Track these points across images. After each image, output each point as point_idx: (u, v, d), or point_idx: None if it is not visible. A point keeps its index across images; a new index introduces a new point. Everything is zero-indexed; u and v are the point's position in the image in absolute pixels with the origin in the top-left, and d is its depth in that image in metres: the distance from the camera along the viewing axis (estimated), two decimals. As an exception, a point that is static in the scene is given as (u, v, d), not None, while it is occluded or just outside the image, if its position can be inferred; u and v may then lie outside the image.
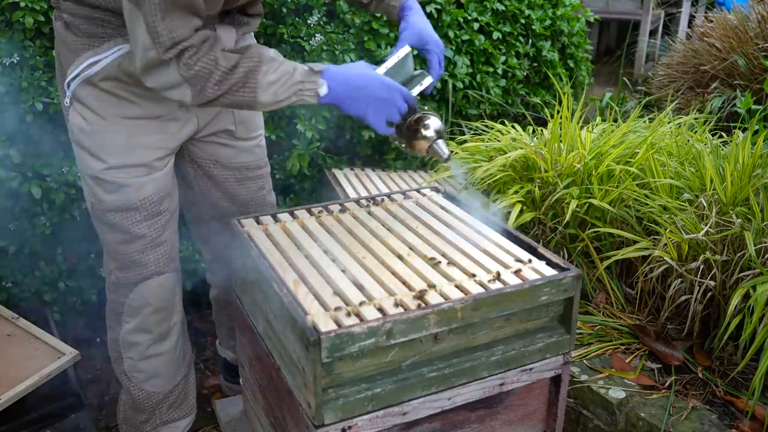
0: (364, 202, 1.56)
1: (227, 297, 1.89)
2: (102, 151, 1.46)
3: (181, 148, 1.64)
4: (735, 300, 1.59)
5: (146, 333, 1.63)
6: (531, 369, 1.26)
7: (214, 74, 1.25)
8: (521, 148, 2.16)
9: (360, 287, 1.19)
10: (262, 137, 1.75)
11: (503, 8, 2.88)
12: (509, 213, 2.02)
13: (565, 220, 1.96)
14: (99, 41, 1.40)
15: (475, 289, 1.18)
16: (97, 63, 1.40)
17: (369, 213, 1.52)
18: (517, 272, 1.25)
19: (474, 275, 1.23)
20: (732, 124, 2.21)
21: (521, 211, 2.04)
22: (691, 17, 5.09)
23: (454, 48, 2.68)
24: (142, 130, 1.47)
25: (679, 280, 1.75)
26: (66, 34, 1.43)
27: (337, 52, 2.40)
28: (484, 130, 2.53)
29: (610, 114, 2.79)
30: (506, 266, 1.27)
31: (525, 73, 3.04)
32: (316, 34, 2.39)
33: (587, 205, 2.00)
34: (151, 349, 1.65)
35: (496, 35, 2.85)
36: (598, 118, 2.58)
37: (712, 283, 1.68)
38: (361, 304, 1.13)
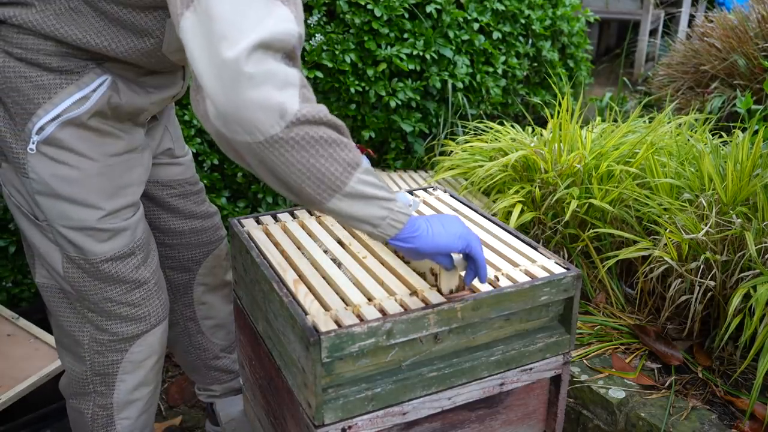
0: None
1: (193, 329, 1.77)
2: (94, 197, 1.29)
3: None
4: (735, 300, 1.59)
5: (147, 386, 1.51)
6: (531, 369, 1.26)
7: (321, 110, 0.92)
8: (521, 148, 2.16)
9: (360, 287, 1.20)
10: (190, 153, 1.66)
11: (503, 8, 2.88)
12: (510, 213, 2.03)
13: (565, 220, 1.96)
14: (77, 75, 1.20)
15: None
16: (86, 99, 1.21)
17: (369, 213, 1.51)
18: (517, 272, 1.25)
19: (474, 275, 1.23)
20: (732, 124, 2.21)
21: (522, 211, 2.04)
22: (691, 17, 5.09)
23: (454, 48, 2.69)
24: (127, 165, 1.34)
25: (679, 280, 1.75)
26: (23, 68, 1.18)
27: (337, 52, 2.40)
28: (484, 130, 2.53)
29: (610, 114, 2.79)
30: (507, 266, 1.27)
31: (525, 73, 3.04)
32: (316, 34, 2.39)
33: (587, 205, 2.00)
34: (149, 401, 1.54)
35: (496, 35, 2.85)
36: (598, 118, 2.58)
37: (712, 283, 1.68)
38: (361, 304, 1.13)
